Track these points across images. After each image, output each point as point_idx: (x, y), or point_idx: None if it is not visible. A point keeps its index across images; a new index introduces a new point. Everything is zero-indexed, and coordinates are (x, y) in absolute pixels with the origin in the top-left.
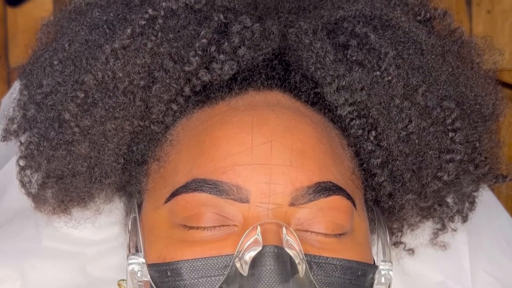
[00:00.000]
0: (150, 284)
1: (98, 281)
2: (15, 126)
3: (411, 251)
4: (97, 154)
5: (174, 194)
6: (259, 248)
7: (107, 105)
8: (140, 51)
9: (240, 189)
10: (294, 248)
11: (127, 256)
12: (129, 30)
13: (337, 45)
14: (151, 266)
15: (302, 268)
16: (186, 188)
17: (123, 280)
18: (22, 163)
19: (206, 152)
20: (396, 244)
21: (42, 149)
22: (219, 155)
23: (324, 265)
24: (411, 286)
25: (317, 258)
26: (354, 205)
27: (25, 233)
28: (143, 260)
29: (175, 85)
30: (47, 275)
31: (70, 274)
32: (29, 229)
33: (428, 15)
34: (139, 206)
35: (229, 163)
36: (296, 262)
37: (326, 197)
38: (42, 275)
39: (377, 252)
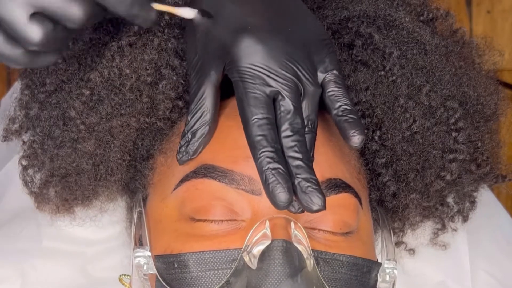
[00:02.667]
0: (156, 276)
1: (99, 281)
2: (16, 125)
3: (411, 251)
4: (102, 152)
5: (184, 179)
6: (268, 242)
7: (113, 102)
8: (147, 47)
9: (253, 180)
10: (302, 243)
11: (133, 249)
12: (135, 27)
13: (342, 45)
14: (157, 258)
15: (310, 263)
16: (196, 173)
17: (125, 275)
18: (24, 162)
19: (216, 139)
20: (397, 244)
21: (46, 147)
22: (229, 144)
23: (330, 261)
24: (411, 286)
25: (324, 254)
26: (361, 203)
27: (26, 233)
28: (149, 253)
29: (182, 82)
30: (48, 275)
31: (71, 274)
32: (30, 229)
33: (430, 15)
34: (144, 200)
35: (241, 153)
36: (305, 257)
37: (336, 194)
38: (43, 275)
39: (381, 252)
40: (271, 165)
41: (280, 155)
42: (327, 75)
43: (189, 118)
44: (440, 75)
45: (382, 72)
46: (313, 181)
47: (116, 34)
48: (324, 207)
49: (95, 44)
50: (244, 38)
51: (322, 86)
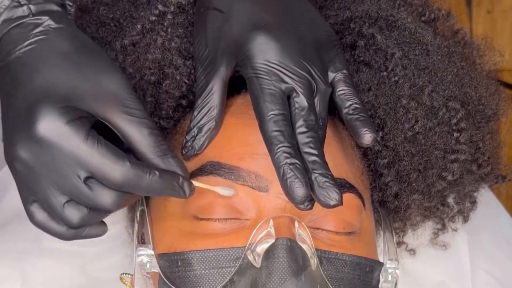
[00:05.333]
0: (159, 275)
1: (99, 281)
2: None
3: (412, 251)
4: None
5: (190, 176)
6: (272, 241)
7: None
8: (151, 46)
9: (260, 177)
10: (306, 242)
11: (136, 248)
12: (139, 26)
13: (344, 45)
14: (161, 256)
15: (314, 262)
16: (202, 171)
17: (125, 274)
18: None
19: (222, 136)
20: (398, 244)
21: None
22: (235, 141)
23: (334, 260)
24: (411, 285)
25: (327, 253)
26: (364, 204)
27: (26, 233)
28: (152, 252)
29: (186, 81)
30: (48, 275)
31: (71, 274)
32: (30, 229)
33: (432, 16)
34: (147, 199)
35: (247, 150)
36: (308, 256)
37: None
38: (43, 275)
39: (383, 252)
40: (288, 160)
41: (296, 150)
42: (337, 75)
43: (195, 113)
44: (442, 75)
45: (385, 73)
46: (330, 176)
47: (119, 33)
48: (341, 202)
49: (97, 44)
50: (258, 35)
51: (332, 85)
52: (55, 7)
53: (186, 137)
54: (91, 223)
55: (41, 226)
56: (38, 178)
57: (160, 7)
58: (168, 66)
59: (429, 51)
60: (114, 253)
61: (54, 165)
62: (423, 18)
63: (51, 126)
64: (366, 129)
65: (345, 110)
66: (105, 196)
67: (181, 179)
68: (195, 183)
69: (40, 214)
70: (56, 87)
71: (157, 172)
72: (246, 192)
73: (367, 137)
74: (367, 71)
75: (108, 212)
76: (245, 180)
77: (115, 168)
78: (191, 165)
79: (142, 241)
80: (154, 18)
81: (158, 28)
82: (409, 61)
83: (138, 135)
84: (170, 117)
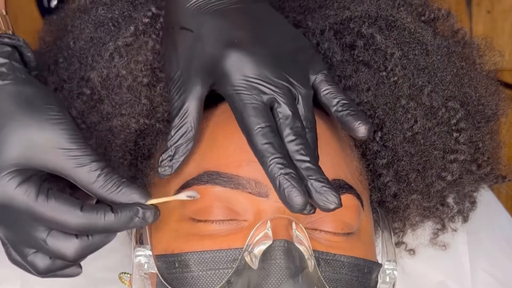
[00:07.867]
0: (157, 276)
1: (99, 281)
2: None
3: (412, 251)
4: (103, 151)
5: (185, 186)
6: (269, 242)
7: (113, 102)
8: (142, 49)
9: (260, 183)
10: (303, 244)
11: (134, 248)
12: (132, 28)
13: (344, 45)
14: (158, 258)
15: (311, 263)
16: (198, 180)
17: (124, 273)
18: None
19: (219, 145)
20: (397, 244)
21: None
22: (233, 149)
23: (331, 261)
24: (411, 286)
25: (325, 254)
26: (362, 205)
27: None
28: (150, 252)
29: None
30: None
31: None
32: None
33: (432, 16)
34: None
35: (245, 158)
36: (306, 257)
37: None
38: None
39: (381, 253)
40: (283, 171)
41: (288, 160)
42: (318, 76)
43: (172, 133)
44: (442, 75)
45: (384, 73)
46: (325, 180)
47: (118, 33)
48: (340, 205)
49: (96, 43)
50: (232, 51)
51: (314, 88)
52: (1, 60)
53: (163, 155)
54: (58, 270)
55: (17, 265)
56: (6, 233)
57: (153, 9)
58: (161, 69)
59: (429, 51)
60: (114, 253)
61: (16, 224)
62: (423, 18)
63: (3, 193)
64: (359, 122)
65: (334, 108)
66: (66, 248)
67: (140, 210)
68: (153, 200)
69: (15, 255)
70: (1, 153)
71: (112, 214)
72: (245, 197)
73: (362, 129)
74: (366, 71)
75: (71, 261)
76: (245, 187)
77: (68, 219)
78: (187, 174)
79: (140, 242)
80: (147, 20)
81: (150, 31)
82: (409, 61)
83: (86, 178)
84: (167, 120)
